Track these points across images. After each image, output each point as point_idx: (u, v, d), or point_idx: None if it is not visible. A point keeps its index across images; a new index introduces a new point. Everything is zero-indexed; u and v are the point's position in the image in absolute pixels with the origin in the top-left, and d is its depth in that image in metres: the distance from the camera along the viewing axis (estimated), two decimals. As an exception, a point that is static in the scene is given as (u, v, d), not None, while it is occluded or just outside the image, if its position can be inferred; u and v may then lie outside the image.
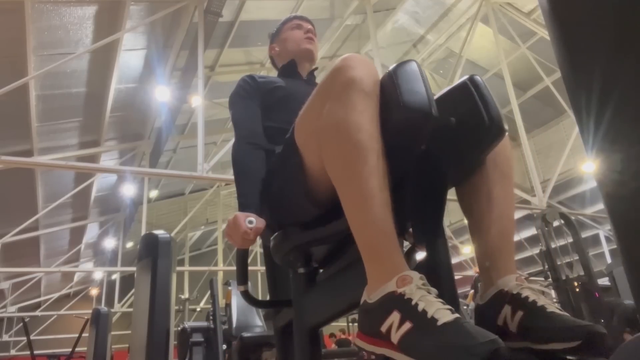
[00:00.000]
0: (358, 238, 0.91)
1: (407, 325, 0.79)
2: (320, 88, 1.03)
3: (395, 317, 0.81)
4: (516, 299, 0.94)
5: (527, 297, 0.93)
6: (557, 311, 0.90)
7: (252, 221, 1.17)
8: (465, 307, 5.57)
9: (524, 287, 0.96)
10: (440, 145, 0.96)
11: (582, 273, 5.03)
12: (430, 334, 0.76)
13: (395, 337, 0.81)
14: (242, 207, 1.25)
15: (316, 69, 1.75)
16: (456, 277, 1.03)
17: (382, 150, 0.92)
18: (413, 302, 0.80)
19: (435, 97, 1.01)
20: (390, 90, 0.94)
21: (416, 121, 0.91)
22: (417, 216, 1.01)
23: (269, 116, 1.48)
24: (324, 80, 1.02)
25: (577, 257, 5.18)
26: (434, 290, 0.84)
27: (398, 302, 0.82)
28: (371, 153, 0.90)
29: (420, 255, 1.05)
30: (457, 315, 0.78)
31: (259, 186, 1.29)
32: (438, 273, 0.96)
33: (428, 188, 1.00)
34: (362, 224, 0.91)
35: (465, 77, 0.99)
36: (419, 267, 1.00)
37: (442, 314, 0.78)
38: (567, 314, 0.90)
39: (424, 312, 0.78)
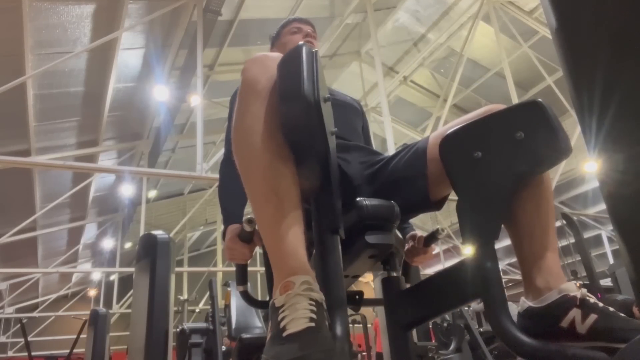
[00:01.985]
0: (263, 243, 0.93)
1: (269, 335, 0.82)
2: None
3: (269, 325, 0.84)
4: (586, 303, 0.97)
5: (596, 303, 0.97)
6: (627, 317, 0.94)
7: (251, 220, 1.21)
8: (467, 309, 5.53)
9: (587, 293, 0.99)
10: (502, 155, 0.98)
11: (584, 274, 5.02)
12: (276, 344, 0.78)
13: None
14: (225, 221, 1.37)
15: None
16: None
17: (279, 149, 0.92)
18: (279, 311, 0.82)
19: (499, 110, 1.04)
20: (277, 83, 0.95)
21: (295, 110, 0.90)
22: (471, 218, 1.01)
23: None
24: None
25: (579, 258, 5.16)
26: (317, 296, 0.84)
27: (272, 310, 0.84)
28: (262, 155, 0.91)
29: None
30: (310, 325, 0.78)
31: (240, 201, 1.39)
32: (487, 275, 0.96)
33: (485, 194, 1.00)
34: (261, 228, 0.93)
35: (532, 99, 1.00)
36: (464, 267, 1.00)
37: (294, 323, 0.78)
38: (636, 319, 0.95)
39: (280, 321, 0.80)
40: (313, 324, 0.79)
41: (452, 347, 4.67)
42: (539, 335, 0.94)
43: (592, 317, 0.95)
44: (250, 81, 0.96)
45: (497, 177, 0.98)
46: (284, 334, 0.78)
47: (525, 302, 1.06)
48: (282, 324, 0.79)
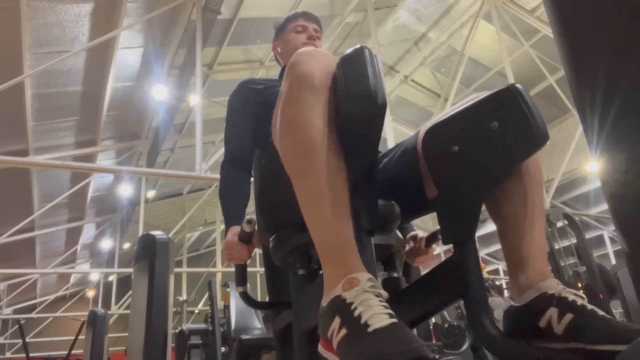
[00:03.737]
0: (314, 239, 0.91)
1: (344, 331, 0.80)
2: (281, 88, 1.03)
3: (336, 322, 0.82)
4: (564, 302, 0.93)
5: (574, 301, 0.92)
6: (606, 315, 0.89)
7: (251, 220, 1.23)
8: (459, 311, 5.50)
9: (567, 290, 0.95)
10: (479, 148, 0.95)
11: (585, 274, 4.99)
12: (360, 340, 0.76)
13: (334, 343, 0.81)
14: (227, 222, 1.40)
15: None
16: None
17: (335, 146, 0.91)
18: (352, 307, 0.80)
19: (475, 101, 1.01)
20: (339, 81, 0.93)
21: (363, 111, 0.90)
22: (449, 216, 1.00)
23: (267, 121, 1.48)
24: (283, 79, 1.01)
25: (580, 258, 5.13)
26: (383, 294, 0.83)
27: (340, 306, 0.82)
28: (320, 150, 0.90)
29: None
30: (393, 320, 0.77)
31: (241, 202, 1.43)
32: (467, 274, 0.94)
33: (463, 189, 0.98)
34: (313, 224, 0.91)
35: (507, 85, 0.98)
36: (446, 268, 0.99)
37: (377, 319, 0.77)
38: (616, 319, 0.90)
39: (359, 317, 0.78)
40: (396, 320, 0.77)
41: (465, 346, 4.61)
42: (522, 335, 0.94)
43: (568, 316, 0.91)
44: (306, 74, 0.93)
45: (473, 172, 0.95)
46: (369, 330, 0.76)
47: (509, 301, 1.04)
48: (363, 320, 0.77)
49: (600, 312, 0.89)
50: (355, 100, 0.90)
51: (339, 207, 0.89)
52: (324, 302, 0.87)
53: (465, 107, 1.01)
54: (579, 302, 0.92)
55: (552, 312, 0.93)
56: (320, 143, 0.90)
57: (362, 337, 0.76)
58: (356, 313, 0.79)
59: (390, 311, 0.79)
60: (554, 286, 0.96)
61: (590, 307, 0.90)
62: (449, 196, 0.98)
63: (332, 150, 0.91)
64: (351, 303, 0.81)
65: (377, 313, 0.78)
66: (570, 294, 0.93)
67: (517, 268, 1.02)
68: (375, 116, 0.90)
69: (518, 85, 0.96)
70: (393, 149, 1.31)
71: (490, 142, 0.94)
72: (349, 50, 0.96)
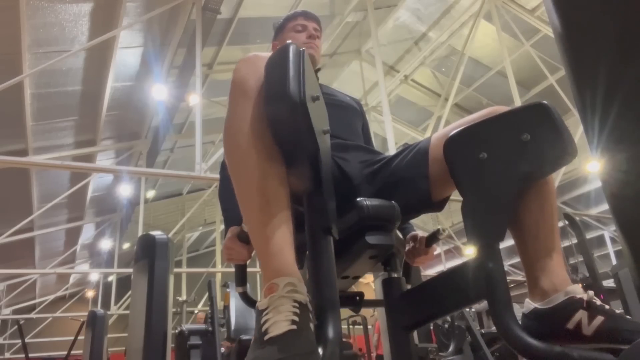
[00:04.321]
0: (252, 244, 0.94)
1: (253, 338, 0.82)
2: None
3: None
4: (592, 305, 0.97)
5: (602, 305, 0.97)
6: (633, 319, 0.94)
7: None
8: (467, 310, 5.49)
9: (592, 296, 0.99)
10: (508, 156, 0.98)
11: (587, 274, 4.98)
12: (257, 347, 0.79)
13: None
14: (226, 222, 1.42)
15: (319, 69, 1.70)
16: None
17: (265, 150, 0.92)
18: (263, 314, 0.82)
19: (505, 111, 1.05)
20: (264, 84, 0.94)
21: (280, 112, 0.90)
22: (475, 220, 1.01)
23: None
24: None
25: (581, 259, 5.13)
26: (301, 297, 0.83)
27: (257, 313, 0.84)
28: (249, 155, 0.91)
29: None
30: (291, 327, 0.78)
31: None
32: (492, 275, 0.96)
33: (490, 195, 1.00)
34: (249, 230, 0.94)
35: (537, 101, 1.01)
36: (469, 268, 1.00)
37: (276, 327, 0.79)
38: None
39: (262, 324, 0.80)
40: (294, 327, 0.79)
41: (451, 348, 4.63)
42: (544, 336, 0.95)
43: (599, 319, 0.95)
44: (239, 82, 0.96)
45: (502, 179, 0.98)
46: (265, 338, 0.78)
47: (531, 304, 1.07)
48: (264, 328, 0.80)
49: (628, 316, 0.95)
50: (273, 100, 0.90)
51: (270, 211, 0.90)
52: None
53: (494, 116, 1.05)
54: (606, 305, 0.97)
55: (582, 314, 0.97)
56: (249, 149, 0.91)
57: (259, 345, 0.79)
58: (262, 320, 0.81)
59: (295, 317, 0.80)
60: (580, 291, 1.00)
61: (618, 311, 0.97)
62: (476, 201, 1.01)
63: (264, 154, 0.92)
64: (263, 310, 0.83)
65: (278, 321, 0.79)
66: (596, 299, 0.98)
67: (538, 273, 1.05)
68: (298, 114, 0.89)
69: (548, 103, 1.00)
70: (403, 151, 1.32)
71: (520, 152, 0.96)
72: (277, 49, 0.97)
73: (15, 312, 13.31)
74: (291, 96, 0.88)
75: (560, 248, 1.10)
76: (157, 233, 2.63)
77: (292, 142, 0.95)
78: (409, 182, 1.24)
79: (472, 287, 0.99)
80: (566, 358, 0.87)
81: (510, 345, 0.90)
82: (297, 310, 0.81)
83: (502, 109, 1.09)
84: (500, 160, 0.98)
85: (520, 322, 0.95)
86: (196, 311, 10.90)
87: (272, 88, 0.91)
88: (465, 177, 1.03)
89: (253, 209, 0.92)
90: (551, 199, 1.09)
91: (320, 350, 0.82)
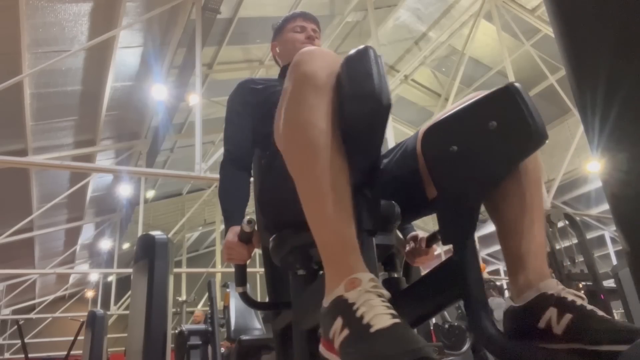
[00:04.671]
0: (315, 239, 0.90)
1: (346, 332, 0.79)
2: (284, 87, 1.02)
3: (339, 323, 0.81)
4: (563, 302, 0.92)
5: (574, 301, 0.91)
6: (605, 315, 0.88)
7: (251, 220, 1.24)
8: (460, 312, 5.48)
9: (567, 291, 0.94)
10: (477, 147, 0.95)
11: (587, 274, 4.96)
12: (363, 341, 0.76)
13: (336, 344, 0.80)
14: (226, 222, 1.40)
15: None
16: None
17: (338, 146, 0.91)
18: (354, 307, 0.80)
19: (473, 100, 1.00)
20: (343, 81, 0.93)
21: (367, 111, 0.89)
22: (449, 216, 0.99)
23: (267, 121, 1.50)
24: (286, 79, 1.01)
25: (582, 259, 5.11)
26: (385, 294, 0.83)
27: (342, 307, 0.82)
28: (323, 150, 0.89)
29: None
30: (395, 321, 0.76)
31: (241, 202, 1.44)
32: (466, 274, 0.94)
33: (462, 189, 0.97)
34: (315, 224, 0.91)
35: (505, 84, 0.97)
36: (446, 268, 0.98)
37: (379, 319, 0.76)
38: (614, 319, 0.88)
39: (361, 317, 0.78)
40: (399, 320, 0.77)
41: (465, 347, 4.59)
42: (522, 335, 0.94)
43: (567, 316, 0.90)
44: (310, 74, 0.93)
45: (473, 172, 0.95)
46: (372, 330, 0.75)
47: (509, 301, 1.04)
48: (365, 320, 0.77)
49: (600, 313, 0.89)
50: (360, 99, 0.89)
51: (341, 207, 0.88)
52: (325, 302, 0.87)
53: (463, 106, 1.01)
54: (578, 302, 0.91)
55: (552, 312, 0.93)
56: (323, 143, 0.90)
57: (365, 338, 0.76)
58: (358, 314, 0.78)
59: (392, 311, 0.79)
60: (553, 286, 0.96)
61: (589, 307, 0.90)
62: (448, 196, 0.98)
63: (335, 150, 0.90)
64: (353, 303, 0.80)
65: (379, 314, 0.77)
66: (569, 294, 0.93)
67: (517, 269, 1.02)
68: (380, 116, 0.90)
69: (516, 84, 0.96)
70: (393, 149, 1.31)
71: (488, 142, 0.93)
72: (354, 50, 0.96)
73: (14, 312, 13.32)
74: (380, 99, 0.88)
75: (543, 242, 1.05)
76: (156, 233, 2.62)
77: (366, 142, 0.95)
78: (402, 179, 1.23)
79: (450, 287, 0.97)
80: (528, 359, 0.85)
81: (482, 345, 0.88)
82: (389, 305, 0.81)
83: (479, 94, 1.05)
84: (469, 152, 0.95)
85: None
86: (196, 311, 10.90)
87: (359, 87, 0.90)
88: (437, 171, 1.01)
89: (326, 204, 0.89)
90: (532, 191, 1.05)
91: None
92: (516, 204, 1.04)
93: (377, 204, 1.02)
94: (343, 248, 0.87)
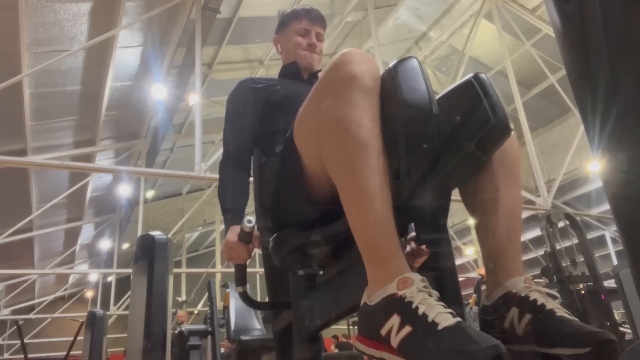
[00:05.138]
0: (358, 238, 0.90)
1: (407, 329, 0.79)
2: (319, 84, 1.02)
3: (395, 320, 0.81)
4: (524, 301, 0.92)
5: (535, 300, 0.92)
6: (567, 315, 0.88)
7: (251, 220, 1.24)
8: (468, 310, 5.50)
9: (532, 289, 0.94)
10: (444, 143, 0.95)
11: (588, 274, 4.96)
12: (430, 338, 0.76)
13: (394, 341, 0.80)
14: (226, 222, 1.39)
15: (320, 70, 1.70)
16: (459, 279, 1.04)
17: (383, 148, 0.91)
18: (413, 305, 0.80)
19: (440, 94, 1.01)
20: (390, 87, 0.93)
21: (417, 119, 0.91)
22: (420, 216, 1.00)
23: (267, 120, 1.51)
24: (323, 76, 1.00)
25: (582, 259, 5.10)
26: (435, 293, 0.84)
27: (398, 305, 0.82)
28: (372, 151, 0.90)
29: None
30: (458, 319, 0.77)
31: (241, 201, 1.44)
32: (441, 274, 0.95)
33: (431, 187, 0.98)
34: (362, 224, 0.90)
35: (470, 75, 0.98)
36: (422, 269, 1.00)
37: (443, 317, 0.77)
38: (576, 319, 0.89)
39: (425, 315, 0.78)
40: (459, 319, 0.78)
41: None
42: (493, 335, 0.93)
43: (527, 317, 0.90)
44: (358, 75, 0.93)
45: (439, 169, 0.96)
46: (439, 328, 0.76)
47: (483, 301, 1.04)
48: (430, 318, 0.77)
49: (559, 313, 0.88)
50: (411, 108, 0.90)
51: (386, 208, 0.88)
52: (372, 300, 0.86)
53: (437, 99, 1.01)
54: (540, 301, 0.90)
55: (514, 312, 0.93)
56: (372, 144, 0.90)
57: (432, 335, 0.76)
58: (420, 311, 0.79)
59: (451, 310, 0.79)
60: (517, 285, 0.95)
61: (549, 307, 0.89)
62: (421, 194, 0.98)
63: (381, 152, 0.91)
64: (411, 302, 0.80)
65: (441, 312, 0.78)
66: (535, 293, 0.92)
67: (488, 265, 1.01)
68: (427, 124, 0.91)
69: (480, 75, 0.96)
70: None
71: (455, 134, 0.94)
72: (400, 59, 0.98)
73: (14, 312, 13.31)
74: (432, 108, 0.90)
75: (517, 238, 1.04)
76: (156, 233, 2.62)
77: (408, 146, 0.95)
78: None
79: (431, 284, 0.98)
80: None
81: None
82: (444, 304, 0.81)
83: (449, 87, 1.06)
84: (437, 150, 0.95)
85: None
86: (195, 311, 10.90)
87: (414, 95, 0.91)
88: (415, 169, 1.01)
89: (374, 205, 0.88)
90: (506, 183, 1.04)
91: None
92: (489, 198, 1.04)
93: (407, 207, 1.02)
94: (389, 248, 0.87)
